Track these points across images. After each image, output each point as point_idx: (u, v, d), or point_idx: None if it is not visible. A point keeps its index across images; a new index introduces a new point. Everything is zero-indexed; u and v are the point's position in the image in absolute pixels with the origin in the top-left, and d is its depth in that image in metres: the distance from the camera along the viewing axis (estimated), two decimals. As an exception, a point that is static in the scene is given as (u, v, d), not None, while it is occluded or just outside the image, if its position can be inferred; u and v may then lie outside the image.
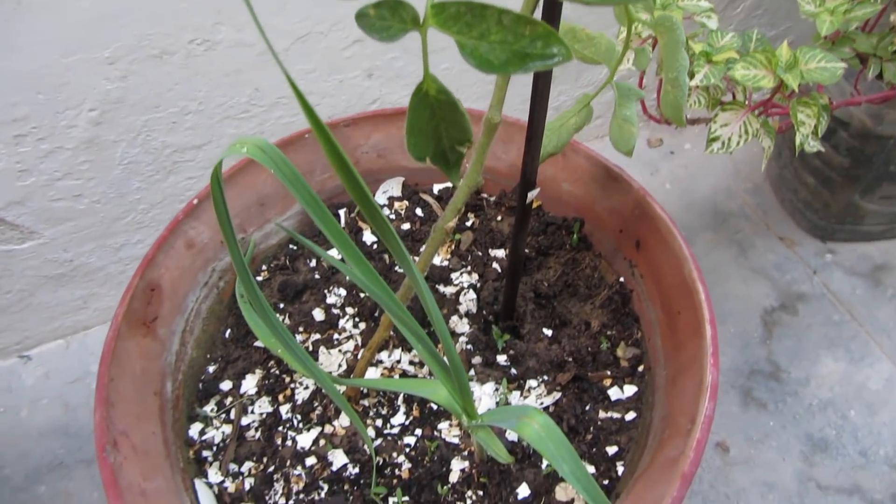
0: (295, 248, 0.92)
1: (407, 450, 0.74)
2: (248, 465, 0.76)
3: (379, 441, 0.76)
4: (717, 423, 1.06)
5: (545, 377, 0.78)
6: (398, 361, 0.81)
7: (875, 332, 1.16)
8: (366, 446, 0.75)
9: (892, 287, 1.22)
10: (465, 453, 0.73)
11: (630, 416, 0.74)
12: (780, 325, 1.18)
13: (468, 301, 0.84)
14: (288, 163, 0.49)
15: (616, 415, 0.75)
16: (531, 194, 0.69)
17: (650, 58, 0.72)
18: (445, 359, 0.58)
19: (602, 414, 0.75)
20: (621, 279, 0.84)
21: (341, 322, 0.85)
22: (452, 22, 0.41)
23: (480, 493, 0.71)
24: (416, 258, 0.69)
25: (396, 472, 0.73)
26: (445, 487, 0.71)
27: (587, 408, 0.75)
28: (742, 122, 0.86)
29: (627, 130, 0.66)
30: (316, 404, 0.79)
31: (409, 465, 0.73)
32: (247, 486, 0.74)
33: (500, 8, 0.39)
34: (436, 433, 0.76)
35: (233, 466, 0.76)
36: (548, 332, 0.82)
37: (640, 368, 0.78)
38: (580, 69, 1.33)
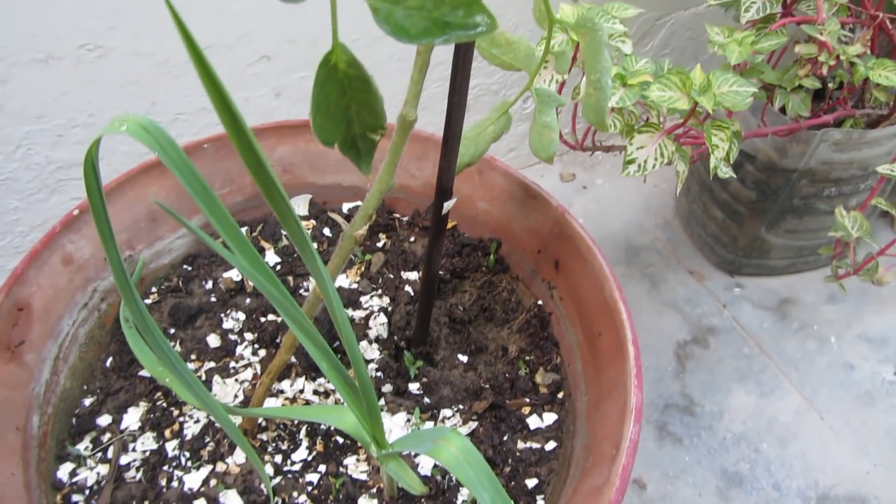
0: (189, 268, 0.85)
1: (309, 488, 0.67)
2: (126, 509, 0.67)
3: (278, 479, 0.68)
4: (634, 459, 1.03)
5: (460, 406, 0.72)
6: (301, 391, 0.74)
7: (783, 364, 1.17)
8: (263, 486, 0.67)
9: (797, 320, 1.23)
10: (374, 490, 0.67)
11: (550, 445, 0.70)
12: (693, 359, 1.17)
13: (378, 325, 0.79)
14: (178, 149, 0.43)
15: (535, 445, 0.70)
16: (447, 204, 0.64)
17: (570, 63, 0.69)
18: (355, 381, 0.53)
19: (521, 444, 0.70)
20: (539, 302, 0.80)
21: (239, 349, 0.78)
22: (366, -18, 0.36)
23: (390, 532, 0.64)
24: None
25: (297, 512, 0.66)
26: (351, 528, 0.65)
27: (505, 438, 0.70)
28: (658, 144, 0.85)
29: (548, 137, 0.63)
30: (207, 440, 0.71)
31: (312, 505, 0.66)
32: (124, 534, 0.65)
33: (420, -32, 0.35)
34: (341, 469, 0.69)
35: (108, 512, 0.67)
36: (463, 358, 0.77)
37: (561, 395, 0.74)
38: (494, 100, 1.32)
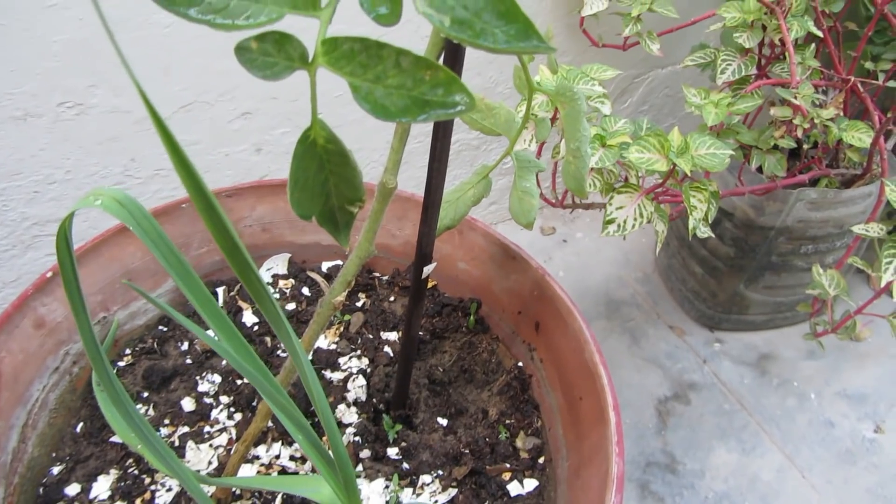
0: (165, 329, 0.83)
1: (284, 559, 0.65)
2: (92, 583, 0.64)
3: (251, 550, 0.66)
4: (617, 519, 1.01)
5: (440, 472, 0.71)
6: (277, 457, 0.72)
7: (764, 421, 1.16)
8: (236, 556, 0.65)
9: (777, 377, 1.23)
10: (351, 561, 0.65)
11: (531, 513, 0.68)
12: (674, 415, 1.17)
13: (357, 388, 0.77)
14: (153, 221, 0.43)
15: (517, 512, 0.69)
16: (427, 269, 0.64)
17: (550, 129, 0.70)
18: (330, 452, 0.51)
19: (501, 511, 0.69)
20: (520, 364, 0.79)
21: (214, 413, 0.76)
22: (345, 62, 0.37)
23: None
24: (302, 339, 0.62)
25: (270, 585, 0.64)
26: None
27: (485, 505, 0.69)
28: (637, 204, 0.86)
29: (527, 202, 0.63)
30: (179, 508, 0.69)
31: (286, 578, 0.64)
32: None
33: (399, 48, 0.35)
34: (317, 538, 0.67)
35: (73, 586, 0.64)
36: (443, 421, 0.75)
37: (541, 460, 0.73)
38: (475, 155, 1.33)
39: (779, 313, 1.27)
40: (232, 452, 0.67)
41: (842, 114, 1.01)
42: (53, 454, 0.72)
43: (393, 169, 0.54)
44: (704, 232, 0.90)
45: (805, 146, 1.12)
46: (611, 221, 0.86)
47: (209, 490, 0.69)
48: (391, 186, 0.54)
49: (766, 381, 1.22)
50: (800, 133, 0.97)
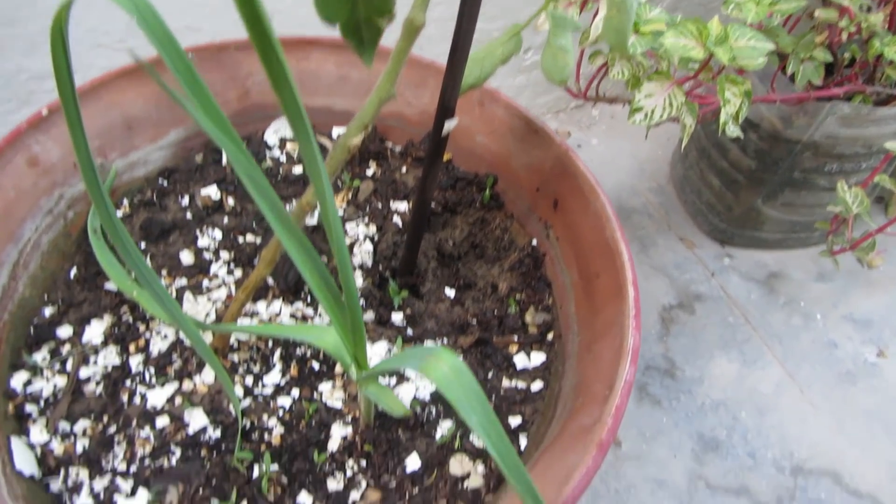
0: (165, 183, 0.80)
1: (280, 412, 0.64)
2: (83, 423, 0.63)
3: (248, 401, 0.64)
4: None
5: (445, 340, 0.69)
6: (277, 314, 0.70)
7: (767, 337, 1.15)
8: (231, 406, 0.64)
9: (784, 295, 1.21)
10: (349, 419, 0.63)
11: (536, 385, 0.66)
12: (678, 323, 1.15)
13: (364, 253, 0.75)
14: (161, 21, 0.39)
15: (521, 384, 0.67)
16: (449, 124, 0.60)
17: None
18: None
19: (506, 382, 0.67)
20: (534, 242, 0.76)
21: (213, 267, 0.73)
22: None
23: (363, 462, 0.61)
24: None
25: (266, 437, 0.62)
26: (322, 455, 0.61)
27: (490, 375, 0.67)
28: (667, 94, 0.82)
29: (562, 59, 0.59)
30: (174, 357, 0.67)
31: (282, 430, 0.62)
32: (79, 449, 0.61)
33: None
34: (315, 395, 0.65)
35: (63, 425, 0.63)
36: (450, 292, 0.73)
37: (550, 336, 0.70)
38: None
39: (793, 233, 1.24)
40: (231, 302, 0.65)
41: (887, 27, 0.95)
42: (45, 296, 0.70)
43: (421, 4, 0.49)
44: (734, 131, 0.86)
45: (846, 56, 1.07)
46: (638, 109, 0.82)
47: (207, 338, 0.67)
48: (419, 23, 0.50)
49: (773, 299, 1.20)
50: (844, 37, 0.92)
